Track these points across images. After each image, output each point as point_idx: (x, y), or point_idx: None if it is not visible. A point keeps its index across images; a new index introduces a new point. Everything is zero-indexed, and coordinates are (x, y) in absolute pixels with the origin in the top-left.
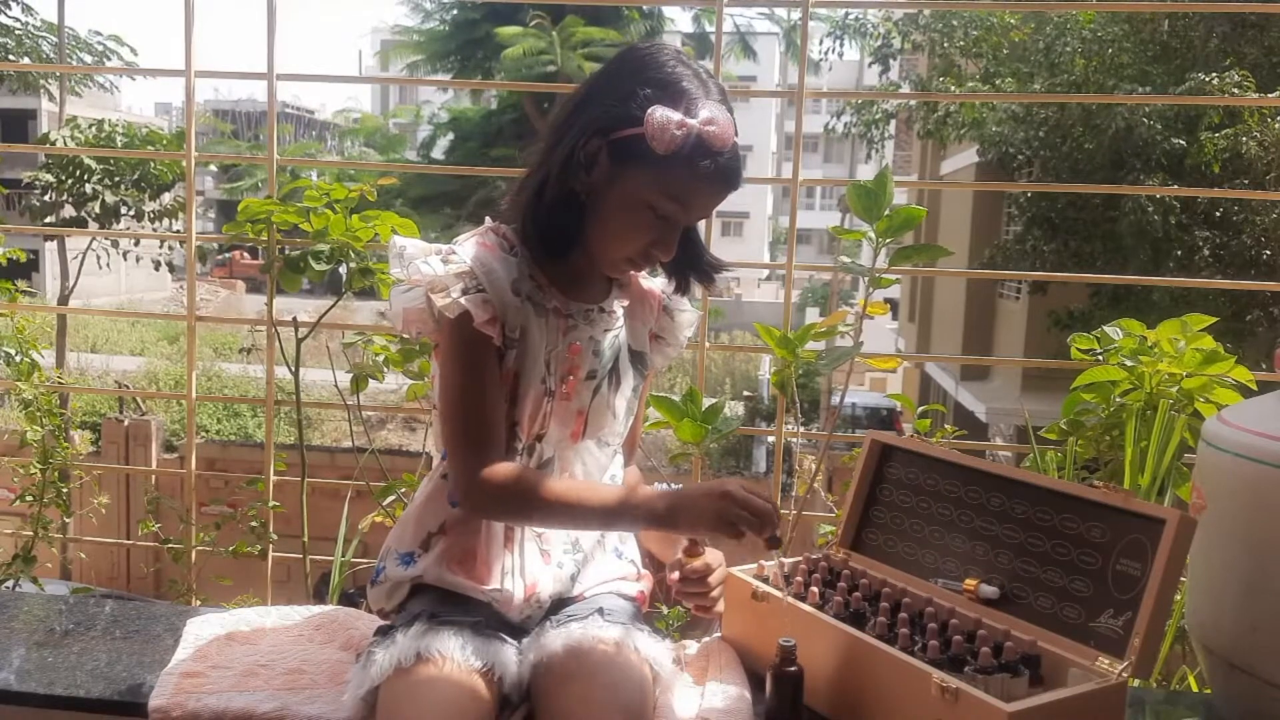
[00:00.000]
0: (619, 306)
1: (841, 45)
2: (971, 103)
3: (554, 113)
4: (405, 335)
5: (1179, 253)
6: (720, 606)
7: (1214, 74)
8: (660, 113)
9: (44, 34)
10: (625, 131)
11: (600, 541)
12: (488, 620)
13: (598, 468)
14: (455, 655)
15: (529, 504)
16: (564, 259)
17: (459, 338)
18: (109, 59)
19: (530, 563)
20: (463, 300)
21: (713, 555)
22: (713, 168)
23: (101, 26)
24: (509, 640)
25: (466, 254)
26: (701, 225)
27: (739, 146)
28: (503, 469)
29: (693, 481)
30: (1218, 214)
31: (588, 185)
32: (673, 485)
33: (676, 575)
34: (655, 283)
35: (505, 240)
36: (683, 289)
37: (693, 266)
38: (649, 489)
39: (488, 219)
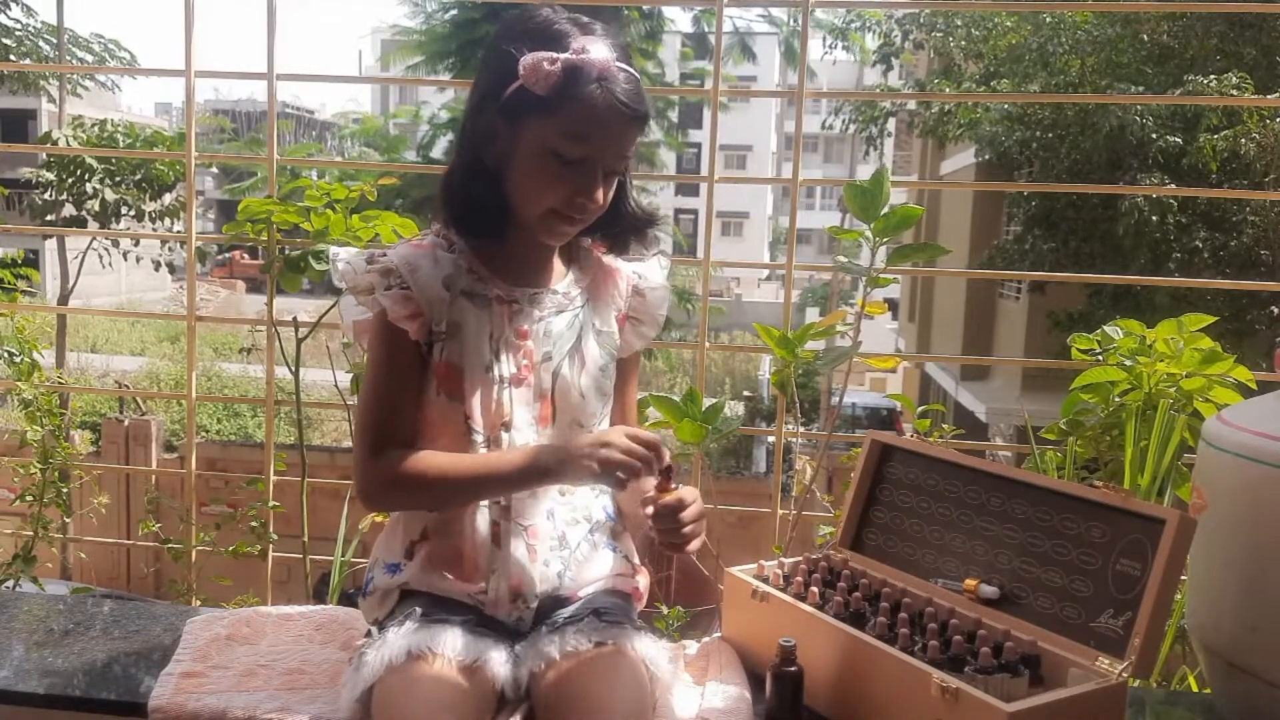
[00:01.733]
0: (575, 288)
1: (844, 40)
2: (968, 104)
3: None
4: (359, 346)
5: (1178, 253)
6: (696, 543)
7: (1212, 75)
8: (530, 56)
9: (44, 35)
10: (510, 88)
11: (591, 538)
12: (478, 620)
13: None
14: (446, 652)
15: (418, 485)
16: (498, 239)
17: (375, 334)
18: (109, 61)
19: (515, 560)
20: (381, 297)
21: (686, 491)
22: (600, 92)
23: (101, 28)
24: (502, 639)
25: (393, 254)
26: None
27: (633, 75)
28: (391, 457)
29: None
30: (1217, 214)
31: (495, 156)
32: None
33: (650, 510)
34: (624, 264)
35: (444, 240)
36: (618, 248)
37: (619, 220)
38: (538, 446)
39: (432, 222)
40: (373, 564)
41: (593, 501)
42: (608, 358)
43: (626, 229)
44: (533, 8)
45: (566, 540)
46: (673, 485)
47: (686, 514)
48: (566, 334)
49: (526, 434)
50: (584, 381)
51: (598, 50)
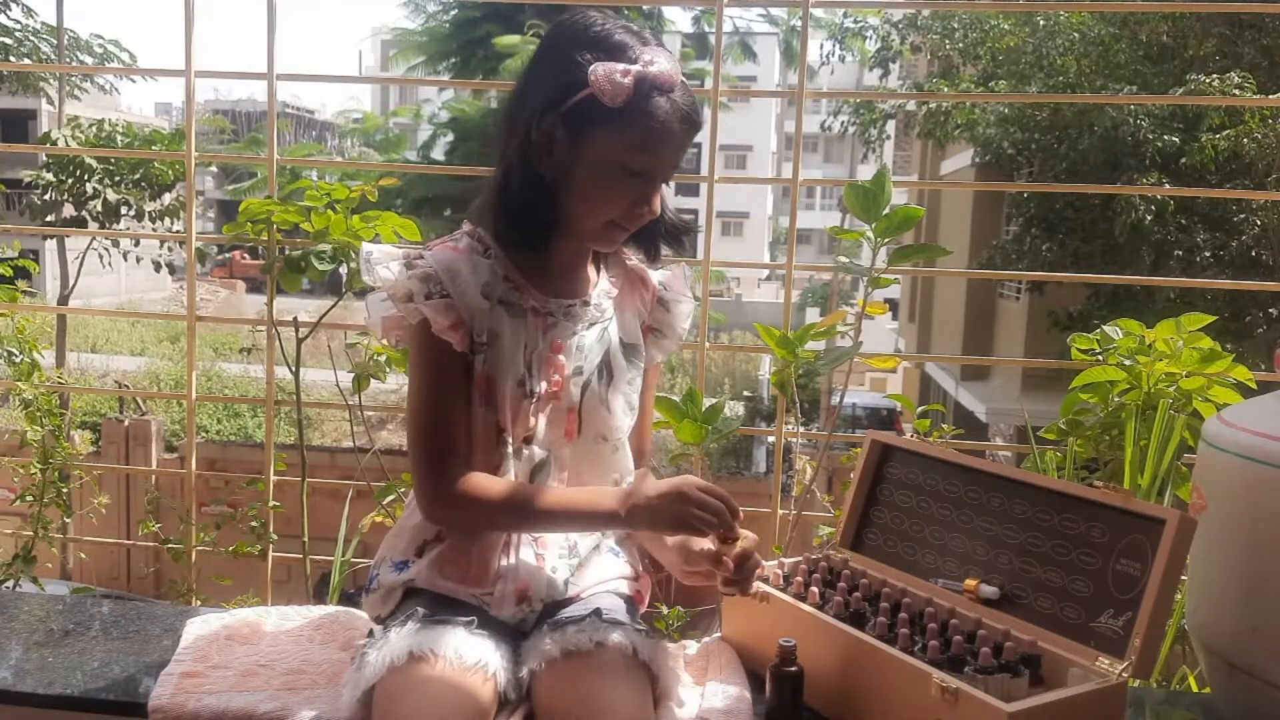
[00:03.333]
0: (606, 299)
1: (841, 47)
2: (966, 105)
3: (502, 111)
4: (387, 342)
5: (1178, 253)
6: (756, 585)
7: (1213, 75)
8: (603, 67)
9: (44, 36)
10: (575, 98)
11: (597, 545)
12: (480, 621)
13: (600, 466)
14: (448, 653)
15: (488, 509)
16: (543, 251)
17: (418, 346)
18: (108, 62)
19: (524, 566)
20: (423, 306)
21: (749, 538)
22: (669, 106)
23: (101, 28)
24: (503, 641)
25: (432, 258)
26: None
27: (687, 86)
28: (461, 481)
29: (653, 480)
30: (1217, 215)
31: (552, 166)
32: (627, 483)
33: (725, 564)
34: (650, 274)
35: (479, 243)
36: (652, 255)
37: (657, 226)
38: (607, 490)
39: (465, 223)
40: (379, 561)
41: None
42: (635, 371)
43: (661, 234)
44: (583, 14)
45: (576, 549)
46: (735, 534)
47: (753, 562)
48: (596, 347)
49: (550, 447)
50: (611, 396)
51: (663, 62)
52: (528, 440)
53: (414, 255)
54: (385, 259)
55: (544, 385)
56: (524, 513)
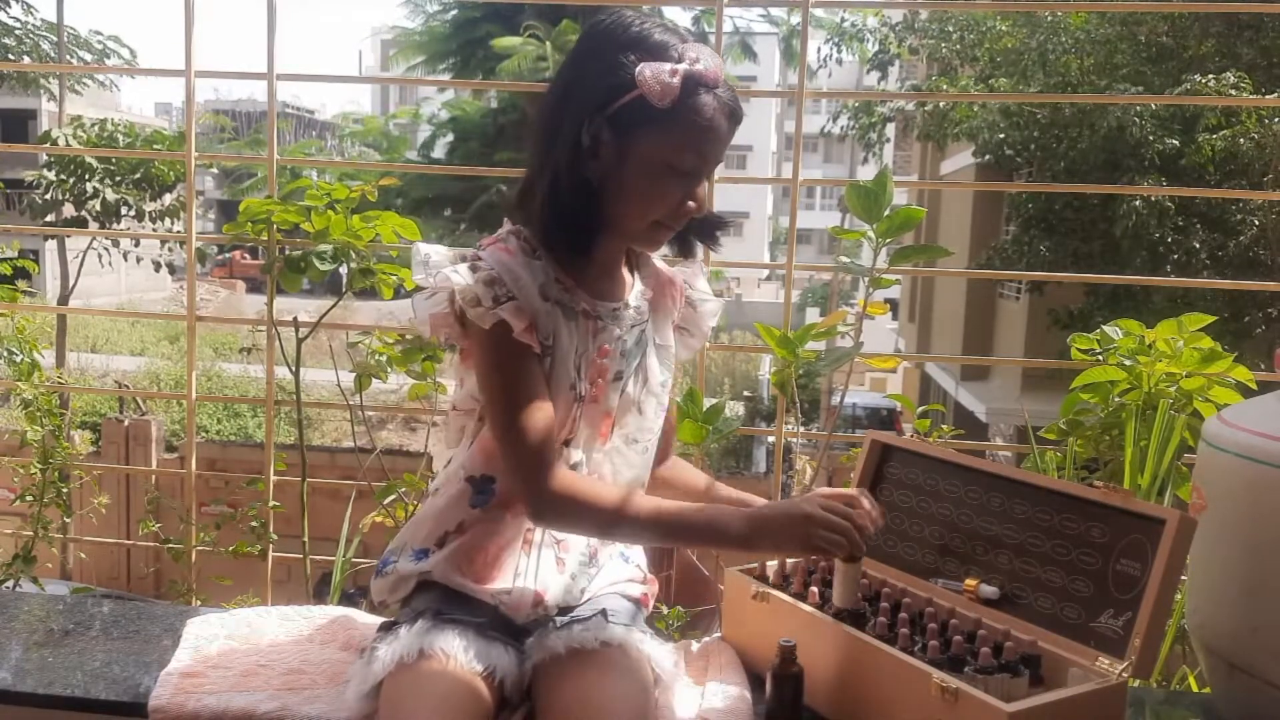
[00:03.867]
0: (643, 300)
1: (839, 51)
2: (965, 106)
3: (539, 112)
4: (434, 341)
5: (1176, 254)
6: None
7: (1210, 75)
8: (649, 68)
9: (44, 33)
10: (622, 100)
11: (612, 551)
12: (492, 622)
13: (626, 466)
14: (458, 655)
15: (598, 518)
16: (586, 254)
17: (500, 350)
18: (108, 58)
19: (544, 569)
20: (500, 311)
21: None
22: (716, 103)
23: (101, 26)
24: (511, 643)
25: (493, 260)
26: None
27: (727, 82)
28: (570, 483)
29: (776, 502)
30: (1215, 215)
31: (598, 169)
32: (747, 501)
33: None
34: (673, 272)
35: (527, 244)
36: (686, 251)
37: (697, 224)
38: (725, 509)
39: (506, 222)
40: (400, 546)
41: None
42: (667, 373)
43: (700, 230)
44: (618, 15)
45: (597, 559)
46: (860, 552)
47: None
48: (635, 350)
49: (584, 449)
50: (645, 399)
51: (707, 59)
52: (567, 443)
53: (472, 256)
54: (443, 260)
55: (588, 388)
56: (637, 524)
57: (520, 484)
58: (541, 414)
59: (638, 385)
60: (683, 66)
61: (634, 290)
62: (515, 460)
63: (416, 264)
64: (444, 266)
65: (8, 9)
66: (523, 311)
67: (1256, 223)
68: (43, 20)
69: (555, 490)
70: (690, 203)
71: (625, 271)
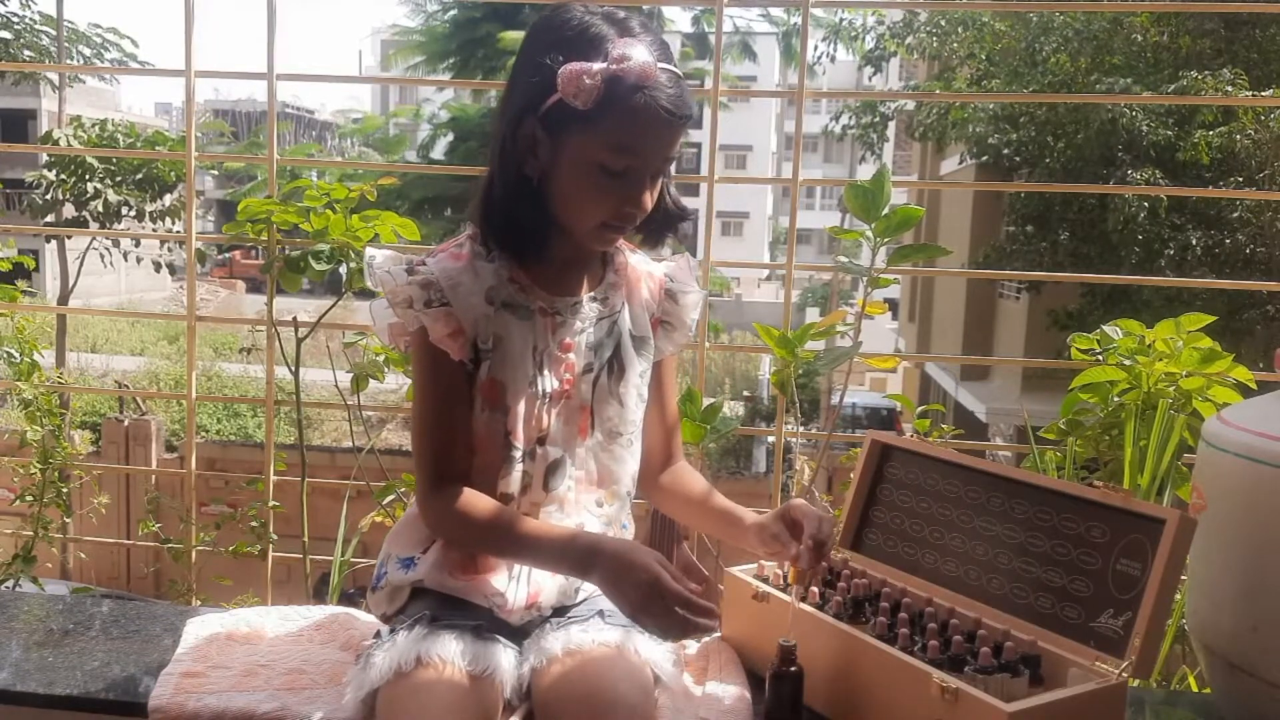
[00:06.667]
0: (614, 292)
1: (834, 48)
2: (959, 107)
3: (494, 112)
4: (394, 348)
5: (1172, 252)
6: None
7: (1206, 72)
8: (568, 69)
9: (43, 28)
10: (549, 101)
11: None
12: (488, 624)
13: (611, 461)
14: (455, 660)
15: (475, 531)
16: (543, 251)
17: (420, 354)
18: (108, 51)
19: (537, 570)
20: (422, 314)
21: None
22: (645, 102)
23: (101, 23)
24: (509, 644)
25: (434, 265)
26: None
27: (676, 75)
28: (454, 493)
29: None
30: (1211, 212)
31: (537, 168)
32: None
33: (805, 556)
34: (655, 266)
35: (483, 246)
36: (653, 243)
37: (656, 216)
38: (588, 542)
39: (467, 225)
40: (385, 557)
41: (626, 517)
42: (645, 364)
43: (663, 225)
44: (565, 9)
45: None
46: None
47: (827, 548)
48: (606, 342)
49: (564, 446)
50: (623, 391)
51: (638, 54)
52: (541, 440)
53: (417, 261)
54: (387, 264)
55: (555, 384)
56: (504, 541)
57: (418, 495)
58: (443, 425)
59: (613, 376)
60: (604, 66)
61: (605, 282)
62: (416, 467)
63: (365, 267)
64: (384, 270)
65: (4, 4)
66: (449, 318)
67: (1253, 220)
68: (41, 14)
69: (438, 503)
70: (629, 206)
71: (596, 263)
